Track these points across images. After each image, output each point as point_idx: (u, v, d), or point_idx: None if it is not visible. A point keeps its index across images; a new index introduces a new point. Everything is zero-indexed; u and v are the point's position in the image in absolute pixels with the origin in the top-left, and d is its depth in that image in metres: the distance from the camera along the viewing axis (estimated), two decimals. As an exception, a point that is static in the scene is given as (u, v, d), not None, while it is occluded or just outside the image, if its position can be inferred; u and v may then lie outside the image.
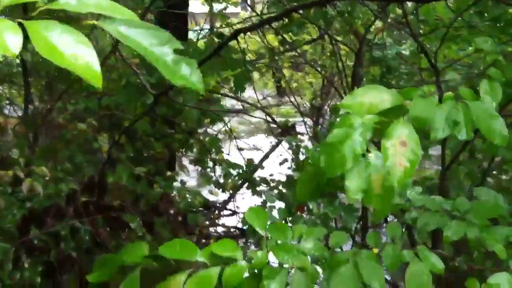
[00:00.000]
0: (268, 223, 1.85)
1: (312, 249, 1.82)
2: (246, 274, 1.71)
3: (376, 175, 1.34)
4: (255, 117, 6.84)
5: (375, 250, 1.84)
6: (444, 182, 3.91)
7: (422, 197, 2.28)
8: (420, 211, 2.25)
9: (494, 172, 5.16)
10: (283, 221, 4.27)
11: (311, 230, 1.91)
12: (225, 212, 6.46)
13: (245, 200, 6.60)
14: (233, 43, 4.45)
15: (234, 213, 6.32)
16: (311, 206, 4.44)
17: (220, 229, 6.31)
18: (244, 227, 5.45)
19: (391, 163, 1.30)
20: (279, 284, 1.64)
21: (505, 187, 4.72)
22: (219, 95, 5.58)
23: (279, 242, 1.82)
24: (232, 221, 6.41)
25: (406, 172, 1.31)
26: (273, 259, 1.79)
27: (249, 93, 7.24)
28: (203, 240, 5.61)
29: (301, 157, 5.10)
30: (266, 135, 7.86)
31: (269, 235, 1.83)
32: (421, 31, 4.87)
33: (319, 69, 5.97)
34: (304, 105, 7.61)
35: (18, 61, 5.18)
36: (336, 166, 1.33)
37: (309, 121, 6.99)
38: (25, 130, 3.86)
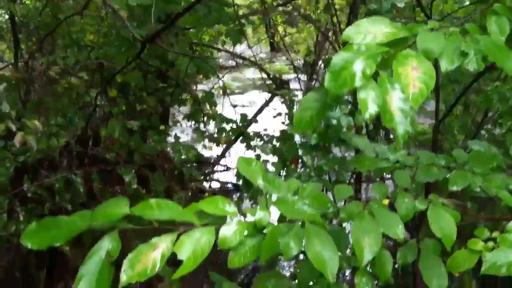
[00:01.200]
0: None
1: (317, 203, 1.70)
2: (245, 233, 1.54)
3: (390, 95, 1.26)
4: (252, 78, 6.77)
5: (386, 201, 1.78)
6: (437, 136, 3.91)
7: (413, 156, 2.25)
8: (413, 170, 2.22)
9: (488, 126, 5.17)
10: (278, 175, 4.28)
11: (307, 185, 1.82)
12: (220, 167, 6.47)
13: (239, 155, 6.58)
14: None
15: (228, 168, 6.33)
16: (305, 159, 4.44)
17: (214, 185, 6.33)
18: (239, 182, 5.46)
19: (405, 85, 1.25)
20: (297, 240, 1.51)
21: (499, 140, 4.73)
22: (213, 50, 5.51)
23: (276, 196, 1.68)
24: (227, 177, 6.44)
25: (421, 93, 1.25)
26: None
27: (242, 49, 7.17)
28: (199, 195, 5.64)
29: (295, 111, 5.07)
30: (260, 91, 7.81)
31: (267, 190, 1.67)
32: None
33: (313, 23, 5.88)
34: (298, 61, 7.53)
35: (7, 16, 5.09)
36: (343, 83, 1.24)
37: (303, 77, 6.94)
38: (17, 75, 3.80)
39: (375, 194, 1.83)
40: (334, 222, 2.24)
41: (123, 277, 1.32)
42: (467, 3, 4.67)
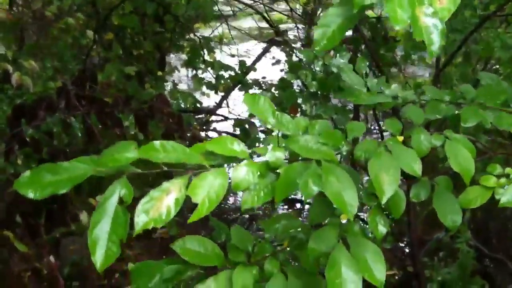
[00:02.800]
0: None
1: (330, 140, 1.63)
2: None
3: (418, 9, 1.22)
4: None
5: (400, 138, 1.74)
6: (437, 85, 3.87)
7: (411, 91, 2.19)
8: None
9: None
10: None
11: (315, 122, 1.75)
12: (218, 118, 6.42)
13: (237, 106, 6.55)
14: None
15: (226, 118, 6.29)
16: (304, 107, 4.41)
17: (212, 134, 6.30)
18: (237, 132, 5.43)
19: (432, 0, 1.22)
20: (316, 178, 1.46)
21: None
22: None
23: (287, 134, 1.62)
24: (225, 126, 6.40)
25: (448, 8, 1.22)
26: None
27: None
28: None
29: (294, 59, 5.01)
30: (257, 41, 7.69)
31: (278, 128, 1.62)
32: None
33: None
34: (298, 10, 7.39)
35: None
36: None
37: (302, 27, 6.82)
38: (12, 17, 3.70)
39: (389, 129, 1.80)
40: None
41: (139, 223, 1.29)
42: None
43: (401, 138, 1.68)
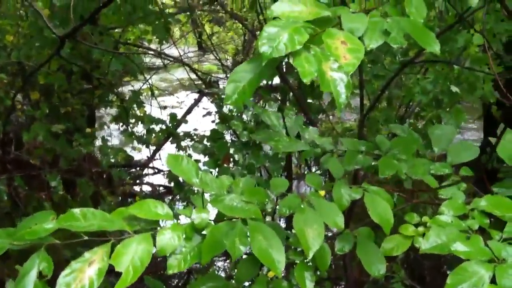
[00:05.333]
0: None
1: (255, 197, 1.67)
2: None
3: (325, 64, 1.28)
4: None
5: (322, 193, 1.80)
6: (363, 130, 4.02)
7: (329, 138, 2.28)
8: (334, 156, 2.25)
9: (411, 120, 5.36)
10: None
11: (239, 180, 1.80)
12: (151, 170, 6.35)
13: (170, 156, 6.49)
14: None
15: (159, 171, 6.22)
16: (237, 157, 4.44)
17: (145, 188, 6.21)
18: (171, 184, 5.38)
19: (336, 56, 1.28)
20: (243, 238, 1.49)
21: (421, 132, 4.92)
22: (139, 49, 5.40)
23: (210, 194, 1.66)
24: (158, 179, 6.32)
25: (353, 63, 1.28)
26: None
27: (169, 49, 7.07)
28: (130, 199, 5.51)
29: (225, 110, 5.07)
30: (189, 92, 7.74)
31: (200, 189, 1.64)
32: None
33: (240, 21, 5.89)
34: (227, 60, 7.53)
35: None
36: (279, 48, 1.25)
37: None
38: None
39: (310, 185, 1.86)
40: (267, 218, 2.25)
41: (61, 299, 1.24)
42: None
43: (322, 193, 1.74)
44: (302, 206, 1.63)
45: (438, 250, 1.57)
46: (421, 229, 1.75)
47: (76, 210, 1.44)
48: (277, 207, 1.72)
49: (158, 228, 1.53)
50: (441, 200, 1.94)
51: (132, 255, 1.38)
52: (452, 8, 3.56)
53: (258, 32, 6.05)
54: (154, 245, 1.47)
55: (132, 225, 1.49)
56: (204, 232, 1.53)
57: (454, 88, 4.07)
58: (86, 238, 1.44)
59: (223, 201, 1.62)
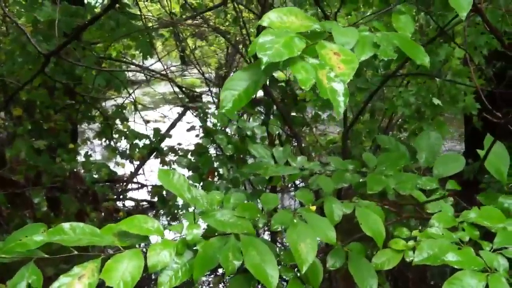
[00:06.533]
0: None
1: (247, 212, 1.67)
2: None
3: (321, 72, 1.29)
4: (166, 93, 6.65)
5: (313, 208, 1.80)
6: (346, 143, 4.04)
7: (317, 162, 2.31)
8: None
9: (394, 132, 5.41)
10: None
11: (228, 196, 1.80)
12: (134, 185, 6.30)
13: (154, 172, 6.47)
14: (134, 10, 4.30)
15: (143, 186, 6.18)
16: (221, 171, 4.43)
17: (128, 203, 6.15)
18: (154, 199, 5.34)
19: (331, 65, 1.29)
20: (236, 252, 1.48)
21: (404, 144, 4.95)
22: (122, 64, 5.37)
23: (200, 210, 1.65)
24: (142, 195, 6.28)
25: (348, 72, 1.30)
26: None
27: (152, 63, 7.06)
28: (113, 215, 5.45)
29: (209, 124, 5.06)
30: (172, 106, 7.73)
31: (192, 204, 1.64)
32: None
33: (223, 35, 5.91)
34: (210, 74, 7.53)
35: None
36: (277, 54, 1.25)
37: (215, 90, 6.93)
38: None
39: (300, 200, 1.86)
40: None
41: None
42: (369, 13, 4.88)
43: (313, 208, 1.74)
44: (294, 221, 1.62)
45: (431, 261, 1.58)
46: (411, 243, 1.76)
47: (66, 225, 1.43)
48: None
49: (149, 243, 1.52)
50: (427, 214, 1.96)
51: (123, 271, 1.38)
52: (433, 22, 3.62)
53: (241, 46, 6.09)
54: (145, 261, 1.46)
55: (122, 240, 1.47)
56: (195, 248, 1.52)
57: (436, 101, 4.12)
58: (76, 252, 1.42)
59: (214, 216, 1.62)
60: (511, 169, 2.08)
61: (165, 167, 4.97)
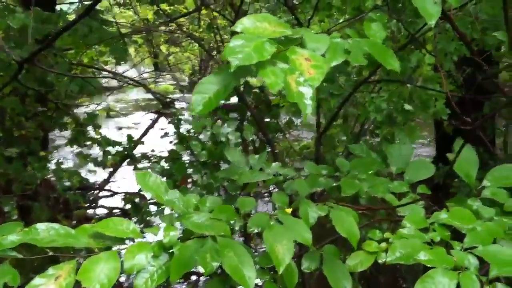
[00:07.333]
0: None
1: (223, 215, 1.70)
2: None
3: (291, 77, 1.30)
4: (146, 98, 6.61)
5: (288, 210, 1.82)
6: (319, 147, 4.08)
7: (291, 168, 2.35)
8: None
9: (366, 137, 5.48)
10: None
11: (204, 199, 1.82)
12: (106, 193, 6.24)
13: (127, 180, 6.42)
14: (107, 16, 4.27)
15: (114, 193, 6.12)
16: (195, 178, 4.42)
17: (100, 211, 6.09)
18: (127, 207, 5.30)
19: (301, 70, 1.31)
20: (214, 253, 1.50)
21: (376, 149, 5.02)
22: (94, 70, 5.33)
23: (175, 213, 1.66)
24: (115, 202, 6.22)
25: (317, 77, 1.31)
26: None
27: (125, 70, 7.03)
28: (85, 223, 5.38)
29: (182, 130, 5.05)
30: (145, 112, 7.69)
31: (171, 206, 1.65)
32: (295, 1, 5.00)
33: (197, 42, 5.92)
34: (184, 80, 7.53)
35: None
36: (248, 57, 1.26)
37: (189, 96, 6.92)
38: None
39: (276, 203, 1.89)
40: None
41: (23, 314, 1.25)
42: (341, 20, 4.95)
43: (289, 210, 1.76)
44: (271, 223, 1.64)
45: (404, 260, 1.61)
46: (383, 244, 1.79)
47: (41, 225, 1.43)
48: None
49: (125, 245, 1.52)
50: (399, 217, 2.01)
51: (99, 272, 1.37)
52: (404, 29, 3.69)
53: (215, 52, 6.11)
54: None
55: (98, 242, 1.47)
56: (172, 250, 1.53)
57: (408, 106, 4.19)
58: (51, 253, 1.42)
59: (191, 218, 1.63)
60: (480, 173, 2.14)
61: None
